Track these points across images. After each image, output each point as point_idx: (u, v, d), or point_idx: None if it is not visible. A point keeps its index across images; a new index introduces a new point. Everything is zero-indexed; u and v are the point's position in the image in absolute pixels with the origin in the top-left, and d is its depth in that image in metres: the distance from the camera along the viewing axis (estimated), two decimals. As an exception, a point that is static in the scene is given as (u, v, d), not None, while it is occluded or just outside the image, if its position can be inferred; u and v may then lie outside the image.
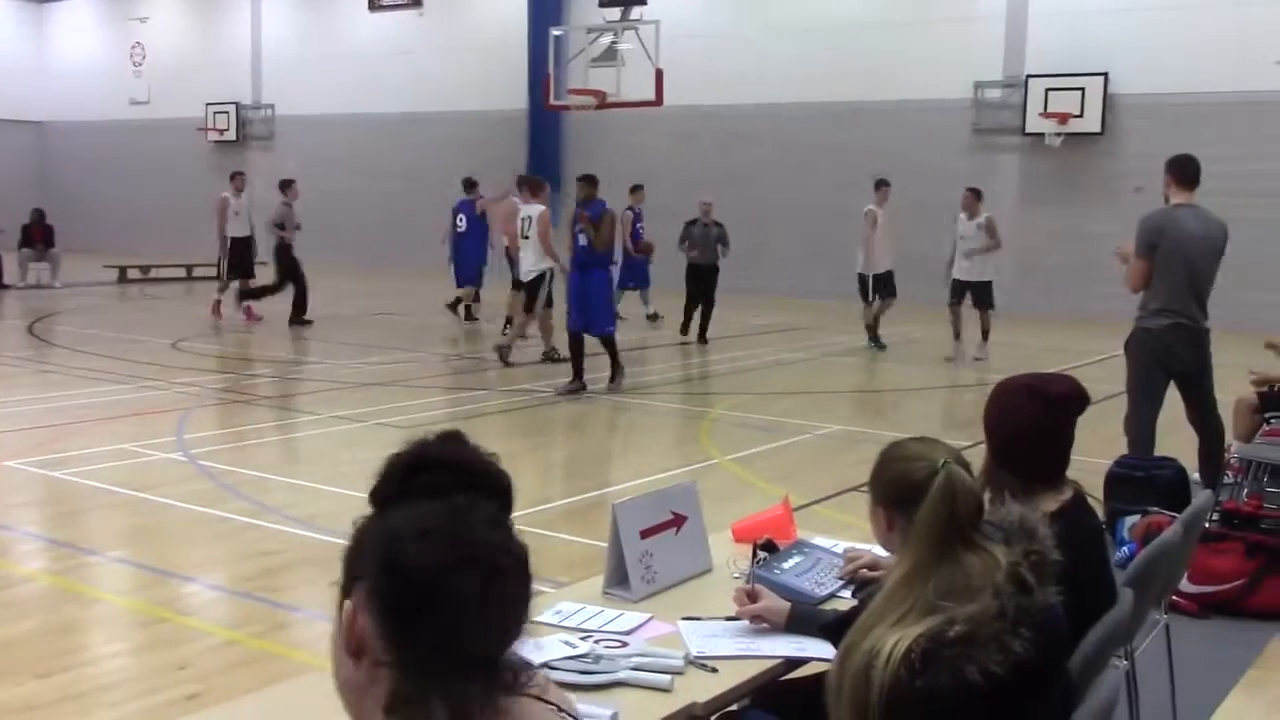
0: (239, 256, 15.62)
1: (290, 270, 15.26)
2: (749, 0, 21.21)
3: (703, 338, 14.10)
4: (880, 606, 2.01)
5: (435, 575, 1.24)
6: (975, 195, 13.18)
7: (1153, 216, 6.50)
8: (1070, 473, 2.77)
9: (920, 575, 1.99)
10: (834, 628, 2.56)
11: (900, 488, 2.21)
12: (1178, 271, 6.38)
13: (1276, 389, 7.13)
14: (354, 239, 24.90)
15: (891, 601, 2.00)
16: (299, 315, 15.25)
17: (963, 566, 1.99)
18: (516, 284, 12.76)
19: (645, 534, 3.02)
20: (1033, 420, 2.68)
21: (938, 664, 1.87)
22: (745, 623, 2.75)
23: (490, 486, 1.33)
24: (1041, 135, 18.39)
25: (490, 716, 1.26)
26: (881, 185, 13.85)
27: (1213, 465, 6.65)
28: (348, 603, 1.28)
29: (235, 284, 15.67)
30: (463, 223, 15.45)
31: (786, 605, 2.76)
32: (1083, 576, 2.25)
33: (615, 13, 18.10)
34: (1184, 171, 6.51)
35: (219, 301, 15.75)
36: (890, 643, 1.91)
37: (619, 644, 2.61)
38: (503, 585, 1.26)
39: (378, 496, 1.33)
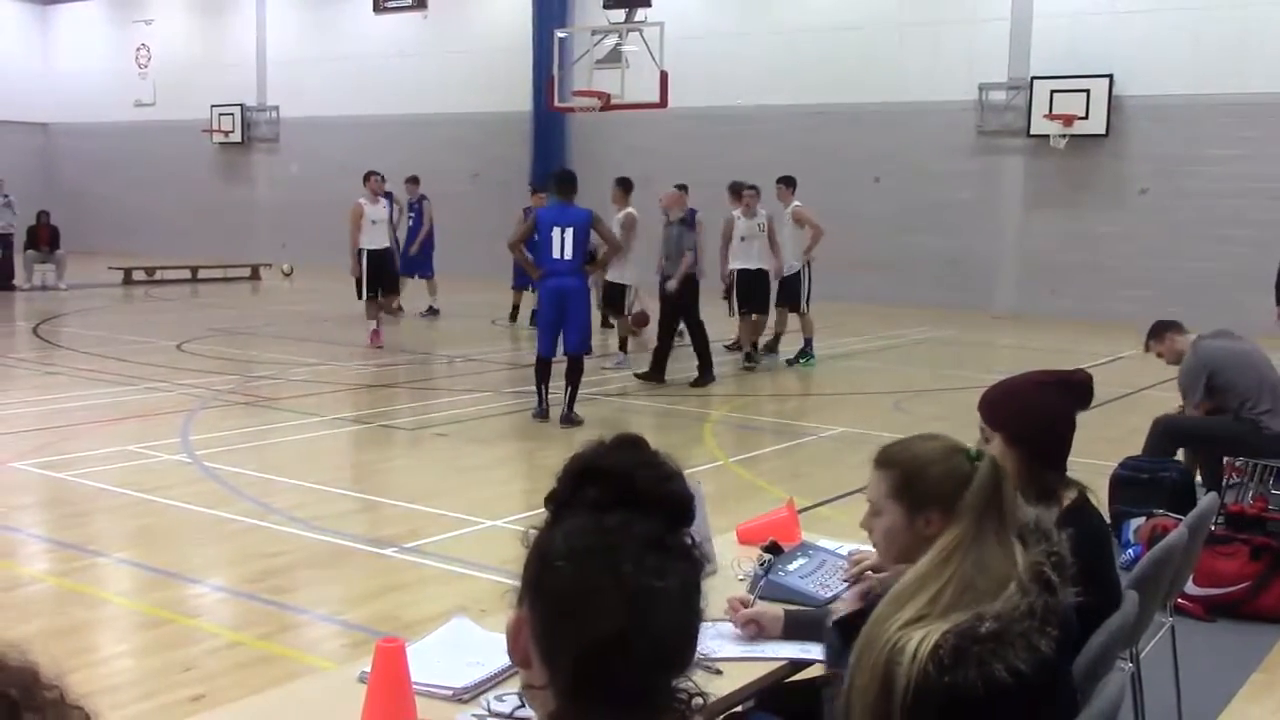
0: (376, 271, 13.72)
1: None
2: (754, 2, 21.21)
3: (703, 377, 11.32)
4: (911, 587, 2.01)
5: (574, 602, 1.20)
6: (788, 186, 12.70)
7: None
8: (1075, 474, 2.79)
9: (957, 552, 2.01)
10: (836, 628, 2.56)
11: (954, 484, 2.12)
12: None
13: None
14: (359, 241, 24.91)
15: (925, 580, 2.00)
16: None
17: (989, 555, 2.01)
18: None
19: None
20: (1065, 413, 2.77)
21: (966, 660, 1.88)
22: (750, 624, 2.74)
23: (657, 503, 1.26)
24: (1046, 137, 18.36)
25: None
26: (753, 190, 12.52)
27: (1215, 469, 6.65)
28: (512, 615, 1.26)
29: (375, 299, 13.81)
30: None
31: (781, 612, 2.75)
32: (1088, 578, 2.27)
33: (620, 15, 18.09)
34: None
35: (377, 330, 13.57)
36: (917, 638, 1.91)
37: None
38: (653, 613, 1.20)
39: (551, 501, 1.30)
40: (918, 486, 2.21)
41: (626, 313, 12.66)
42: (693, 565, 1.26)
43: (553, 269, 9.00)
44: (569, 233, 8.93)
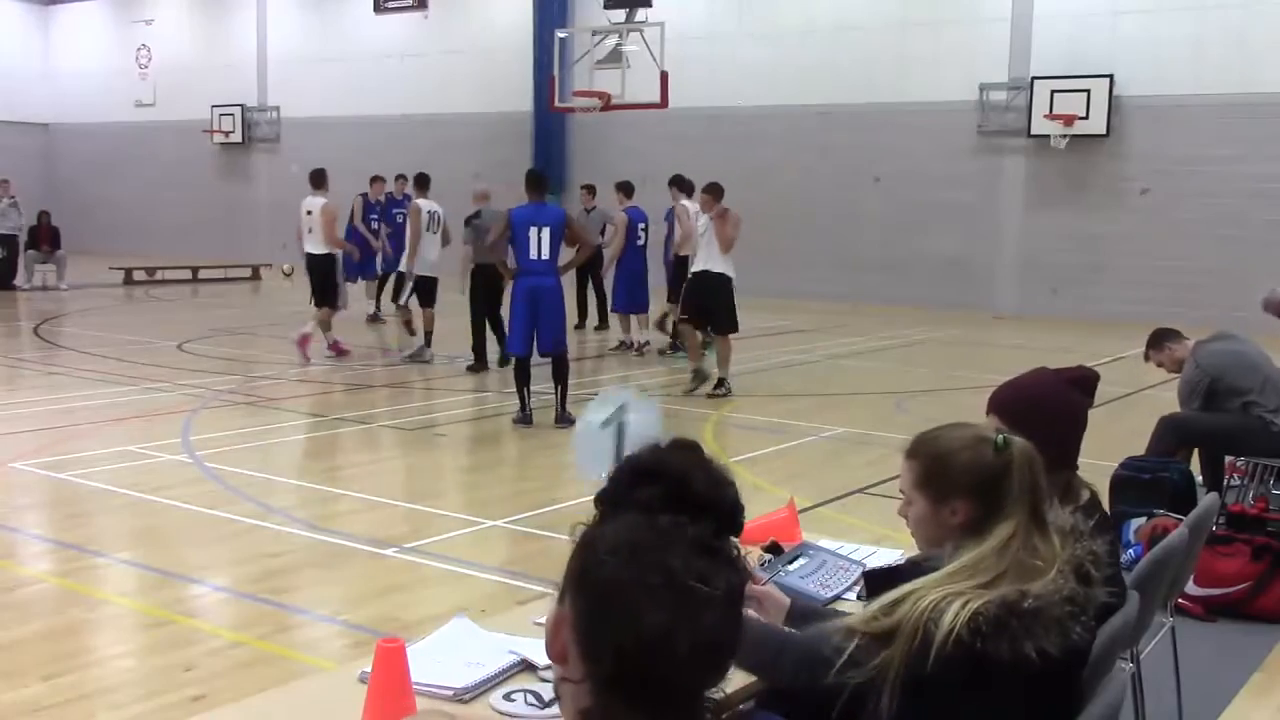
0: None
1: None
2: (754, 2, 21.21)
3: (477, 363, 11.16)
4: (966, 571, 2.07)
5: (620, 595, 1.19)
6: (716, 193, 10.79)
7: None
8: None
9: (1012, 543, 2.08)
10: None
11: (979, 473, 2.20)
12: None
13: None
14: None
15: (980, 567, 2.06)
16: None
17: (1038, 543, 2.09)
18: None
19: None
20: (1084, 412, 2.80)
21: (1002, 632, 1.94)
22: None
23: (709, 507, 1.26)
24: (1047, 137, 18.37)
25: None
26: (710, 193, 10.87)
27: (1216, 468, 6.65)
28: (553, 610, 1.26)
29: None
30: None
31: (787, 601, 2.74)
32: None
33: (620, 15, 18.09)
34: None
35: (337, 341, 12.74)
36: (959, 603, 1.97)
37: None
38: (698, 614, 1.19)
39: (601, 500, 1.30)
40: (942, 476, 2.27)
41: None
42: (738, 574, 1.25)
43: (529, 268, 8.95)
44: (545, 232, 8.87)
